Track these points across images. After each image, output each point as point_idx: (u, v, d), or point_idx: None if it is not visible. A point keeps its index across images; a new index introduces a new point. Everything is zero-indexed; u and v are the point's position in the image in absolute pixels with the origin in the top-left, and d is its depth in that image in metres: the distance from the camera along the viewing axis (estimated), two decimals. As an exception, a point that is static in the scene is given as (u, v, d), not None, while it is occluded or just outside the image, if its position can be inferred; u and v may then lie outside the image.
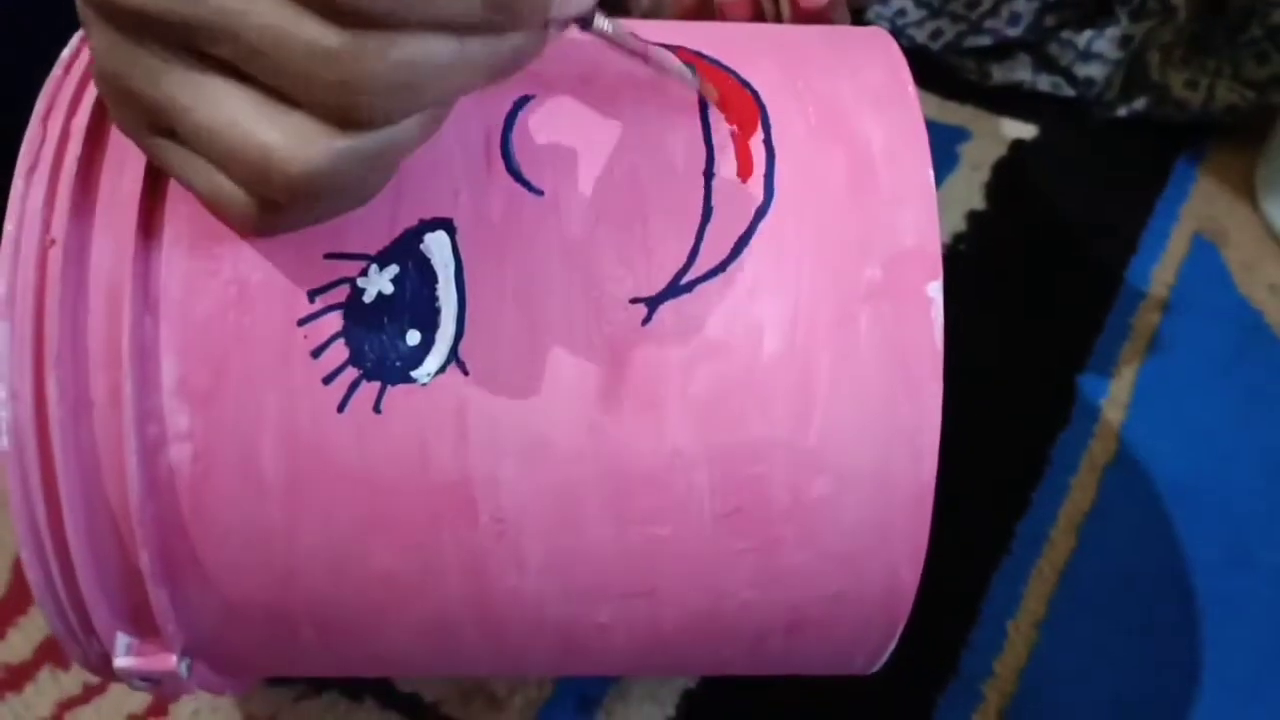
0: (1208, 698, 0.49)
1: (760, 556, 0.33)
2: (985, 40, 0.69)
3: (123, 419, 0.30)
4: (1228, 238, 0.65)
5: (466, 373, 0.31)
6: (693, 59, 0.34)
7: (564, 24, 0.28)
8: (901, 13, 0.69)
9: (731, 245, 0.32)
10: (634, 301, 0.31)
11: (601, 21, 0.30)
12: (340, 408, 0.31)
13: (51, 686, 0.47)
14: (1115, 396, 0.58)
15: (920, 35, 0.70)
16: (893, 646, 0.37)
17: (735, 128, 0.33)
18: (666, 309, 0.31)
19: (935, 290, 0.32)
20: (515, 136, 0.32)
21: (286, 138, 0.26)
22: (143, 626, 0.33)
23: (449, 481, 0.31)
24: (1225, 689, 0.49)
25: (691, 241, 0.32)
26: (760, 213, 0.32)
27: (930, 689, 0.48)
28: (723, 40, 0.36)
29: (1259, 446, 0.56)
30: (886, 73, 0.35)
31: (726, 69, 0.34)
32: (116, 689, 0.47)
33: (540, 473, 0.31)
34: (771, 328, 0.32)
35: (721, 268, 0.32)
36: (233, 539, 0.32)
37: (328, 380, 0.31)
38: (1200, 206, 0.67)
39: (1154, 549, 0.53)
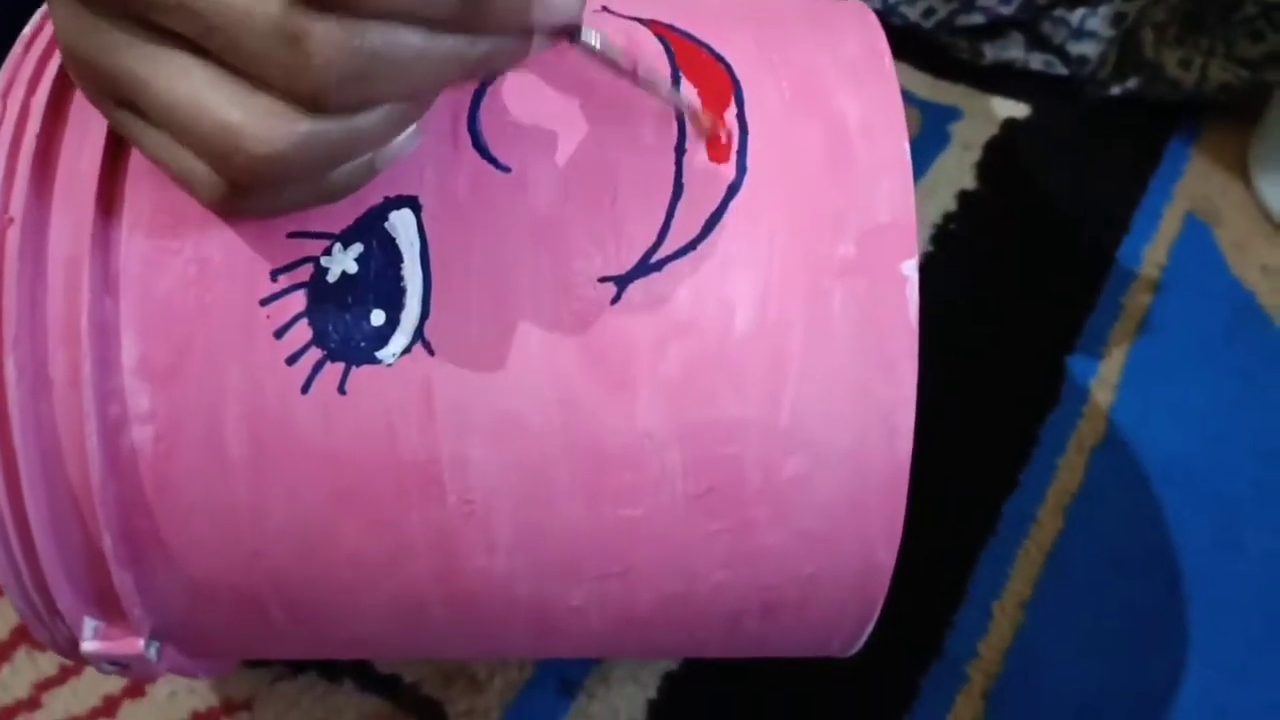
0: (1194, 680, 0.48)
1: (734, 537, 0.33)
2: (978, 18, 0.68)
3: (83, 399, 0.30)
4: (1220, 218, 0.65)
5: (433, 353, 0.30)
6: (665, 32, 0.34)
7: (552, 35, 0.28)
8: (892, -10, 0.69)
9: (702, 223, 0.31)
10: (603, 280, 0.31)
11: (589, 35, 0.29)
12: (304, 389, 0.30)
13: (28, 668, 0.47)
14: (1105, 377, 0.57)
15: (912, 13, 0.69)
16: (870, 628, 0.36)
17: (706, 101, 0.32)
18: (636, 288, 0.31)
19: (910, 268, 0.31)
20: (483, 113, 0.32)
21: (248, 117, 0.25)
22: (109, 610, 0.33)
23: (416, 461, 0.31)
24: (1212, 671, 0.49)
25: (662, 219, 0.31)
26: (732, 190, 0.32)
27: (914, 670, 0.48)
28: (696, 11, 0.35)
29: (1249, 429, 0.56)
30: (864, 45, 0.34)
31: (699, 42, 0.34)
32: (93, 670, 0.46)
33: (509, 452, 0.31)
34: (743, 305, 0.31)
35: (692, 246, 0.31)
36: (197, 518, 0.31)
37: (291, 361, 0.30)
38: (1193, 186, 0.66)
39: (1142, 531, 0.52)
